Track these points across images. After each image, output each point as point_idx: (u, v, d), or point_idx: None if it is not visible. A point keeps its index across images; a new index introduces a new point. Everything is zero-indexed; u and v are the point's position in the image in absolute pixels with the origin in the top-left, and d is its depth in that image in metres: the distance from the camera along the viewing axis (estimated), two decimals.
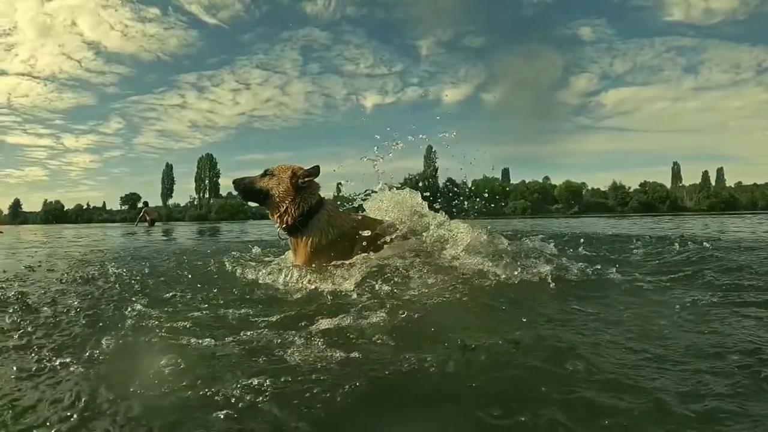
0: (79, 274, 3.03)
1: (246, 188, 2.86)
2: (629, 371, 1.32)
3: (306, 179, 2.75)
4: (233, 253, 3.58)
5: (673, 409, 1.11)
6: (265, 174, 2.85)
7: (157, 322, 1.80)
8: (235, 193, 3.12)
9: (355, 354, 1.45)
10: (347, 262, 2.62)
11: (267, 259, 3.33)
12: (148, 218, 19.77)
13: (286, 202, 2.73)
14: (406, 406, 1.23)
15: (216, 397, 1.20)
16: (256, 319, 1.86)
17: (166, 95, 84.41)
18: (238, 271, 2.88)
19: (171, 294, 2.33)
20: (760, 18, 77.92)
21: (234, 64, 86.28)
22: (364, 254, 2.67)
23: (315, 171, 2.79)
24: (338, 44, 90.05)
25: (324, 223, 2.73)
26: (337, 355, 1.44)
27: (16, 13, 75.24)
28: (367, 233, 2.74)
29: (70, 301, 2.23)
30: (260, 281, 2.62)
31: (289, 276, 2.53)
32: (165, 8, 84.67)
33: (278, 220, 2.78)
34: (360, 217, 2.89)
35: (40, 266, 3.80)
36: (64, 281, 2.83)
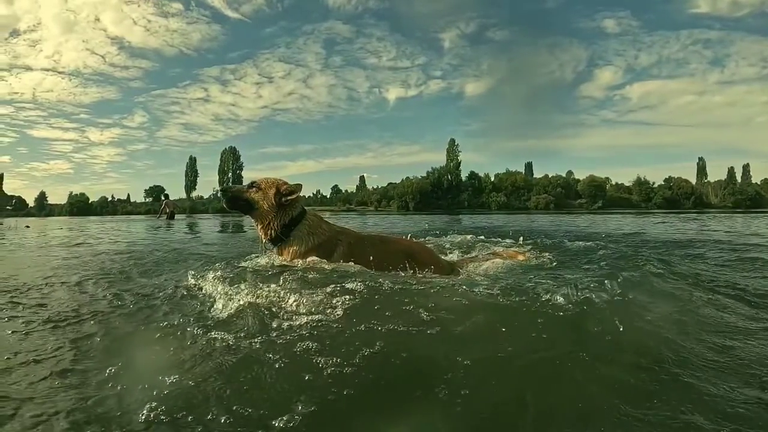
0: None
1: (233, 197, 2.99)
2: None
3: (289, 198, 2.90)
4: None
5: None
6: (252, 185, 3.00)
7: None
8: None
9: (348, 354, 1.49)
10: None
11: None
12: (168, 210, 20.12)
13: (270, 216, 2.93)
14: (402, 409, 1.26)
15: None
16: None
17: (190, 89, 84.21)
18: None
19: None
20: None
21: (257, 57, 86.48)
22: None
23: (297, 189, 2.95)
24: (361, 37, 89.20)
25: (304, 233, 2.92)
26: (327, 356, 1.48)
27: (40, 9, 77.09)
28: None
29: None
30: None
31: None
32: (187, 3, 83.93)
33: (263, 232, 2.97)
34: (341, 227, 3.06)
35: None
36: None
